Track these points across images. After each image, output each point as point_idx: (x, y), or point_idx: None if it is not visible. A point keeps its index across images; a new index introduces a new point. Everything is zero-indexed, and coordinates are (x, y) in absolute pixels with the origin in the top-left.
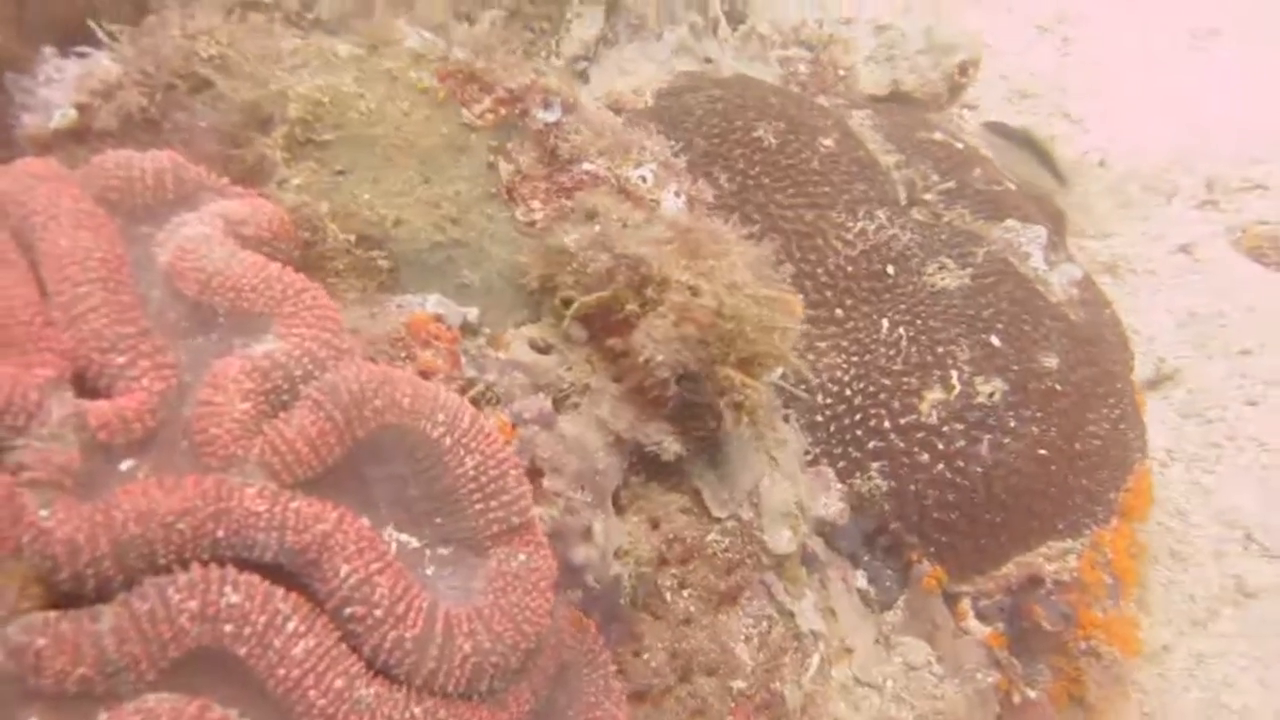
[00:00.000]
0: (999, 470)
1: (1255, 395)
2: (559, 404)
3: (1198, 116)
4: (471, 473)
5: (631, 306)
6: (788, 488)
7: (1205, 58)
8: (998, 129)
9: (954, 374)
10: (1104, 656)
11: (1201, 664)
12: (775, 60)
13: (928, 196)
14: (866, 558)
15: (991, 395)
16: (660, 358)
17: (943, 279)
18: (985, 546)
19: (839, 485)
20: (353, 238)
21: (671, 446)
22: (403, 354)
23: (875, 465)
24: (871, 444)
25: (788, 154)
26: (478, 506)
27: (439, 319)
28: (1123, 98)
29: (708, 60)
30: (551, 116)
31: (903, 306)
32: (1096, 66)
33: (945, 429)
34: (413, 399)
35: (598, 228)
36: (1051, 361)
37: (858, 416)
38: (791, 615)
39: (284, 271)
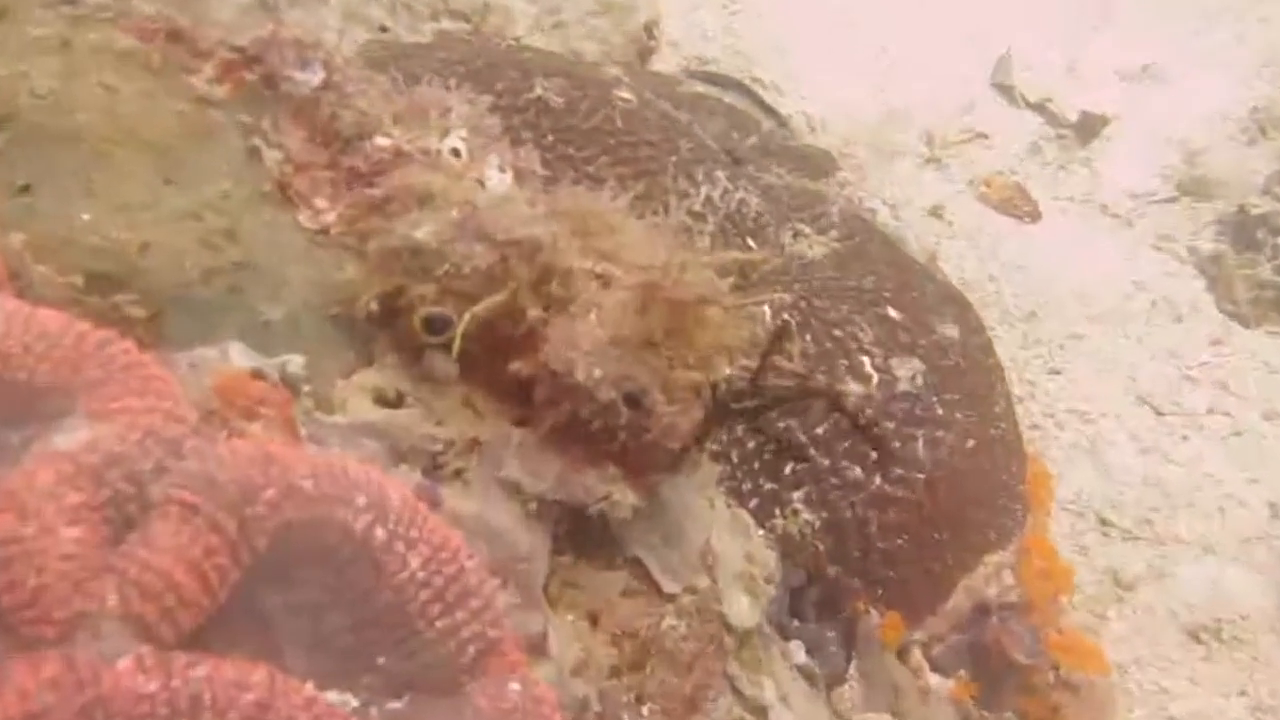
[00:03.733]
0: (940, 471)
1: (1056, 362)
2: (436, 474)
3: (891, 68)
4: (421, 575)
5: (535, 312)
6: (734, 539)
7: (885, 5)
8: (706, 76)
9: (864, 360)
10: (1080, 687)
11: (1124, 676)
12: (430, 34)
13: (741, 154)
14: (797, 623)
15: (914, 379)
16: (599, 373)
17: (808, 247)
18: (935, 574)
19: (758, 531)
20: (78, 279)
21: (626, 499)
22: (221, 432)
23: (798, 495)
24: (788, 468)
25: (583, 114)
26: (440, 624)
27: (259, 375)
28: (809, 56)
29: (383, 29)
30: (314, 78)
31: (777, 286)
32: (768, 23)
33: (874, 430)
34: (316, 480)
35: (456, 213)
36: (952, 331)
37: (764, 436)
38: (764, 712)
39: (66, 320)
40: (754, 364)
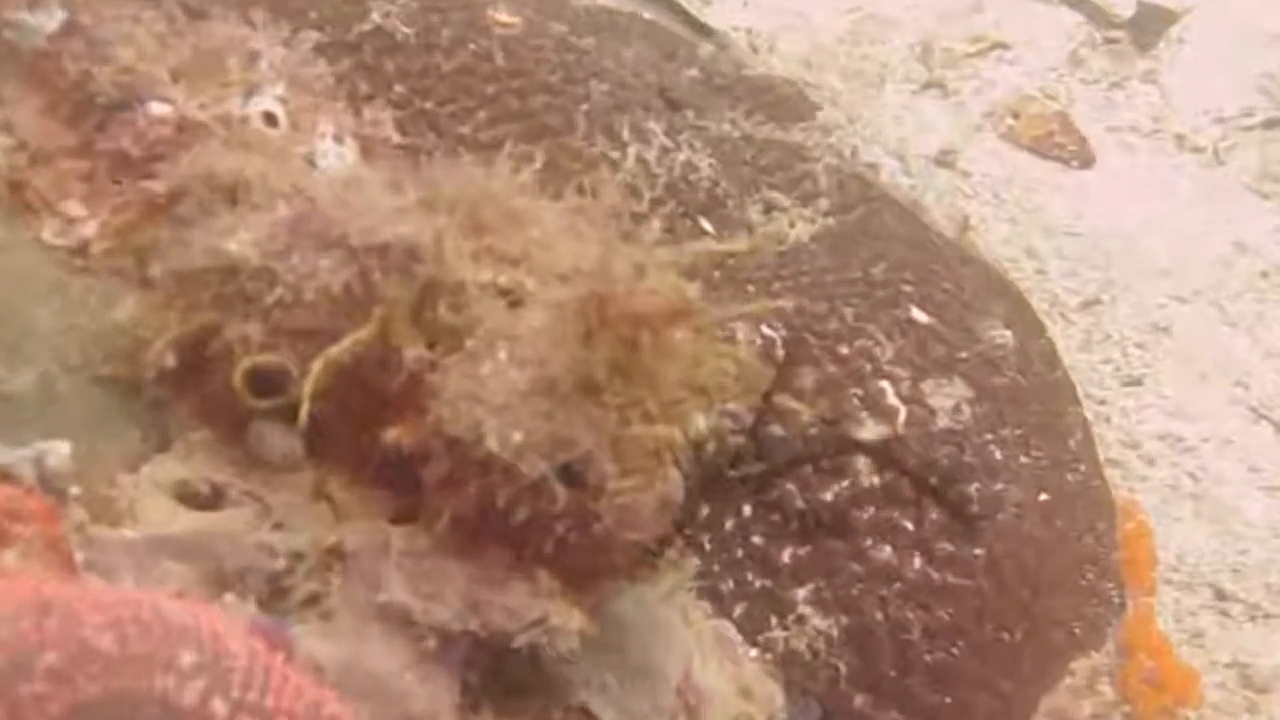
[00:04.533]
0: (1004, 543)
1: (1134, 367)
2: (281, 604)
3: None
4: None
5: (416, 352)
6: (722, 667)
7: None
8: None
9: (885, 386)
10: None
11: None
12: None
13: (678, 95)
14: None
15: (958, 410)
16: (519, 436)
17: (788, 226)
18: (1006, 694)
19: (749, 650)
20: None
21: (568, 623)
22: None
23: (803, 593)
24: (786, 553)
25: (445, 48)
26: None
27: (4, 475)
28: None
29: None
30: (50, 21)
31: (750, 289)
32: None
33: (906, 492)
34: (118, 632)
35: (283, 210)
36: (1004, 335)
37: (747, 508)
38: None
39: None
40: (749, 407)
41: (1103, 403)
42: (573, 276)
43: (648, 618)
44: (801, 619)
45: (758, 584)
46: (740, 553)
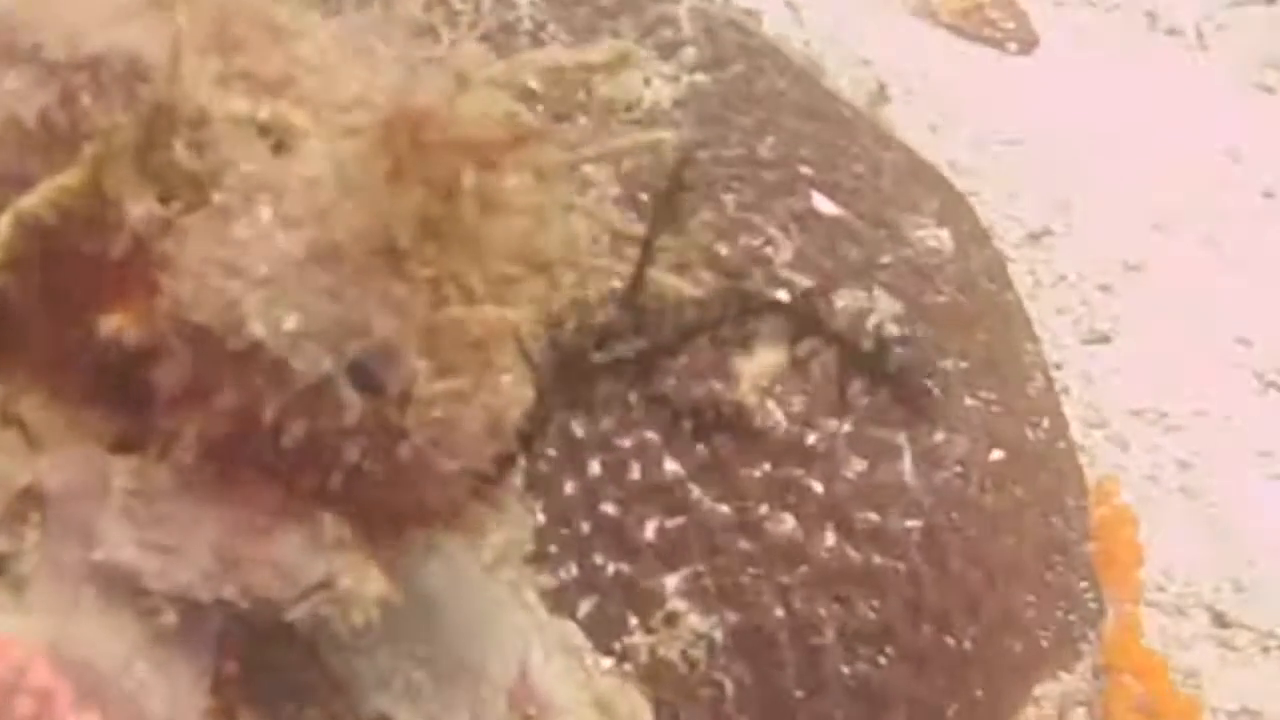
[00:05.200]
0: (946, 514)
1: (1099, 319)
2: None
3: None
4: None
5: (142, 207)
6: (571, 668)
7: None
8: None
9: (783, 297)
10: None
11: None
12: None
13: None
14: None
15: (881, 331)
16: (292, 321)
17: (644, 85)
18: None
19: (599, 660)
20: None
21: (365, 586)
22: None
23: (674, 581)
24: (652, 524)
25: None
26: None
27: None
28: None
29: None
30: None
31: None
32: None
33: (811, 439)
34: None
35: None
36: (937, 237)
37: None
38: None
39: None
40: (619, 272)
41: (1058, 367)
42: (358, 109)
43: (467, 593)
44: (673, 617)
45: (610, 568)
46: (584, 524)
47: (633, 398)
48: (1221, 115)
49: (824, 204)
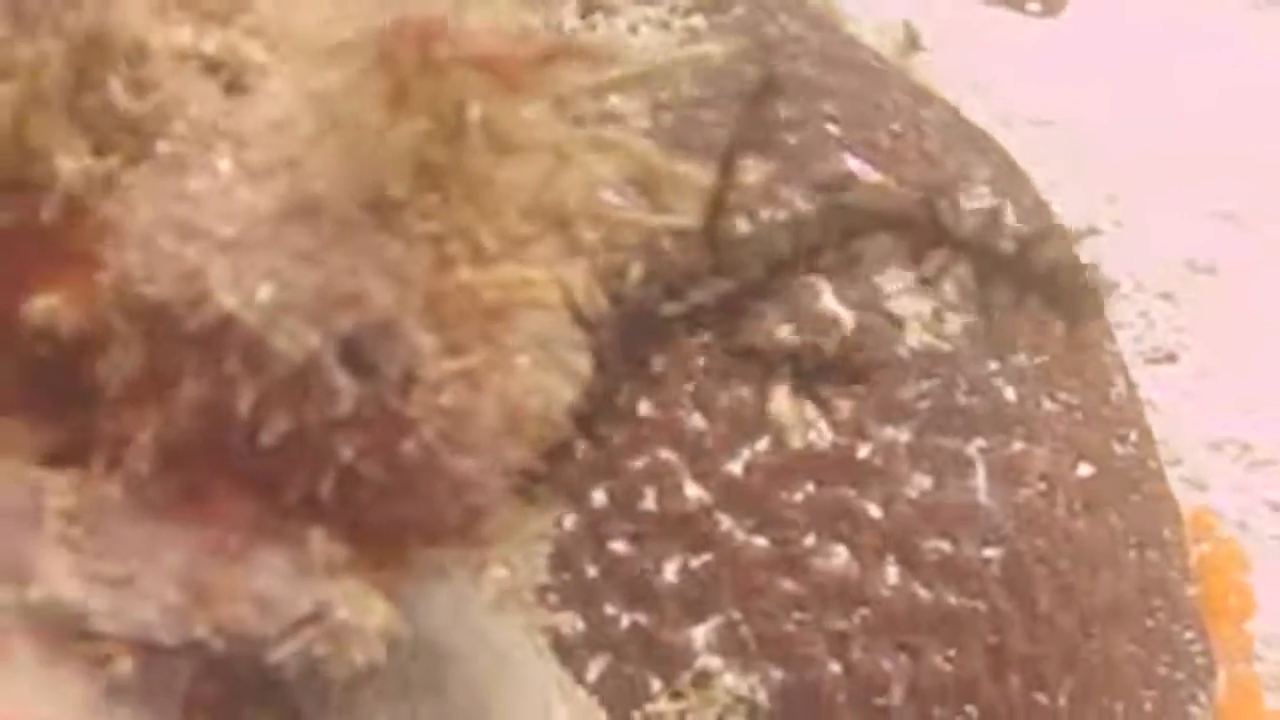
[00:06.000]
0: (1031, 537)
1: (1162, 332)
2: None
3: None
4: None
5: (76, 162)
6: None
7: None
8: None
9: (818, 283)
10: None
11: None
12: None
13: None
14: None
15: (938, 320)
16: (267, 290)
17: (629, 32)
18: None
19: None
20: None
21: (368, 620)
22: None
23: (703, 631)
24: (673, 563)
25: None
26: None
27: None
28: None
29: None
30: None
31: (628, 109)
32: None
33: (864, 451)
34: None
35: None
36: (997, 208)
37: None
38: None
39: None
40: (655, 225)
41: None
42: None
43: (479, 635)
44: (704, 677)
45: (624, 619)
46: (586, 563)
47: (715, 354)
48: None
49: (860, 168)
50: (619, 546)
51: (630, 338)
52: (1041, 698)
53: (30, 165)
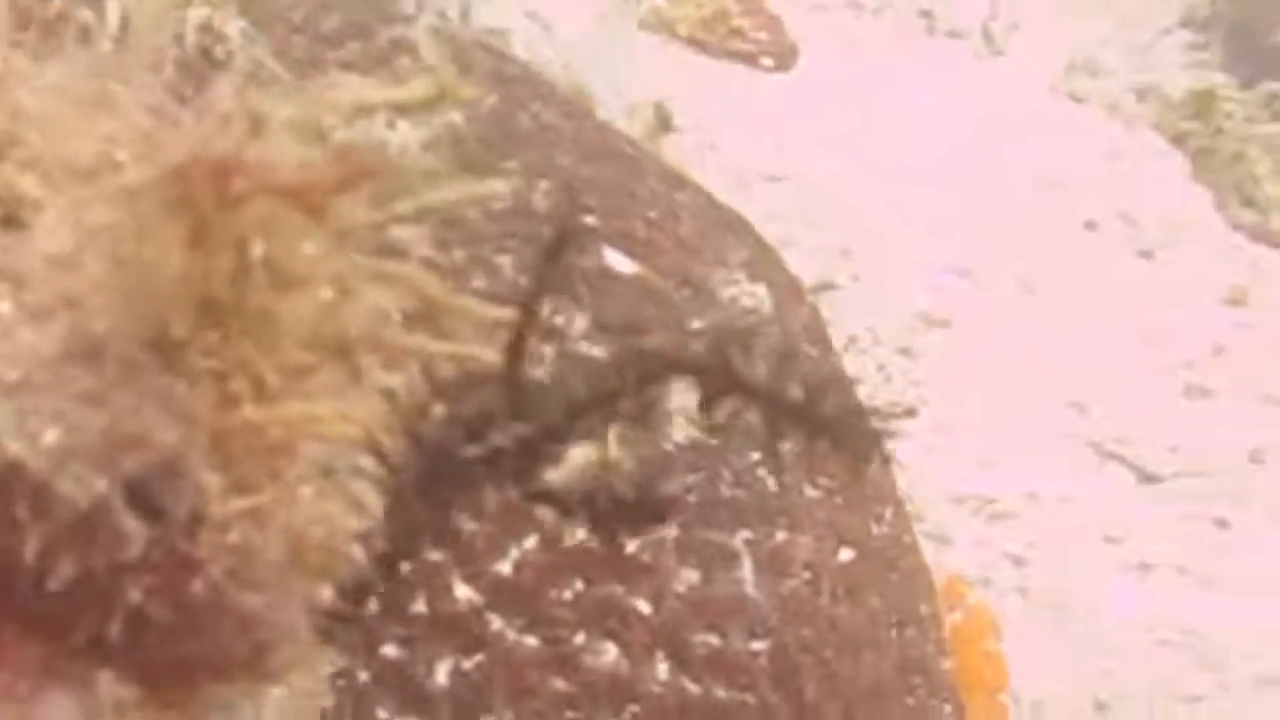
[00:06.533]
0: (797, 628)
1: (896, 369)
2: None
3: None
4: None
5: None
6: None
7: None
8: None
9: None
10: None
11: None
12: None
13: None
14: None
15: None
16: (54, 436)
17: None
18: None
19: None
20: None
21: None
22: None
23: None
24: (448, 669)
25: None
26: None
27: None
28: None
29: None
30: None
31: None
32: None
33: (632, 547)
34: None
35: None
36: (754, 294)
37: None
38: None
39: None
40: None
41: None
42: (102, 169)
43: None
44: None
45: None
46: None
47: (513, 496)
48: (1029, 133)
49: (618, 261)
50: (390, 651)
51: (430, 479)
52: None
53: None
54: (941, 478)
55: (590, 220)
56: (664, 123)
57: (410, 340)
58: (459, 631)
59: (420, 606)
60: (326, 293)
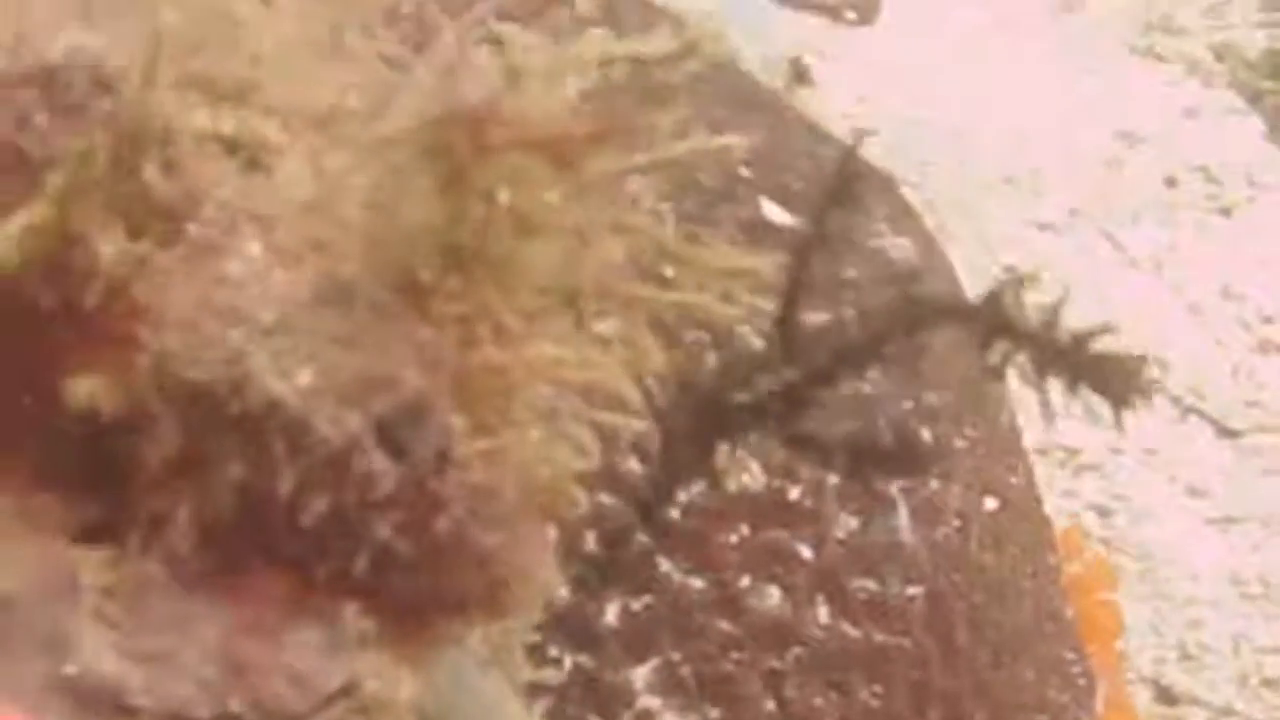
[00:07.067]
0: (948, 575)
1: None
2: None
3: None
4: None
5: (113, 244)
6: None
7: None
8: None
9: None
10: None
11: None
12: None
13: None
14: None
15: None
16: (308, 376)
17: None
18: None
19: None
20: None
21: (398, 692)
22: None
23: (643, 673)
24: (618, 610)
25: None
26: None
27: None
28: None
29: None
30: None
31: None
32: None
33: (795, 493)
34: None
35: None
36: (899, 246)
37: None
38: None
39: None
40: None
41: None
42: (337, 117)
43: (471, 693)
44: (645, 717)
45: (567, 661)
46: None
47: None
48: (1107, 91)
49: (774, 212)
50: (561, 591)
51: (697, 425)
52: None
53: (70, 250)
54: (1027, 429)
55: (745, 172)
56: (800, 76)
57: (641, 290)
58: (628, 572)
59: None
60: (567, 241)
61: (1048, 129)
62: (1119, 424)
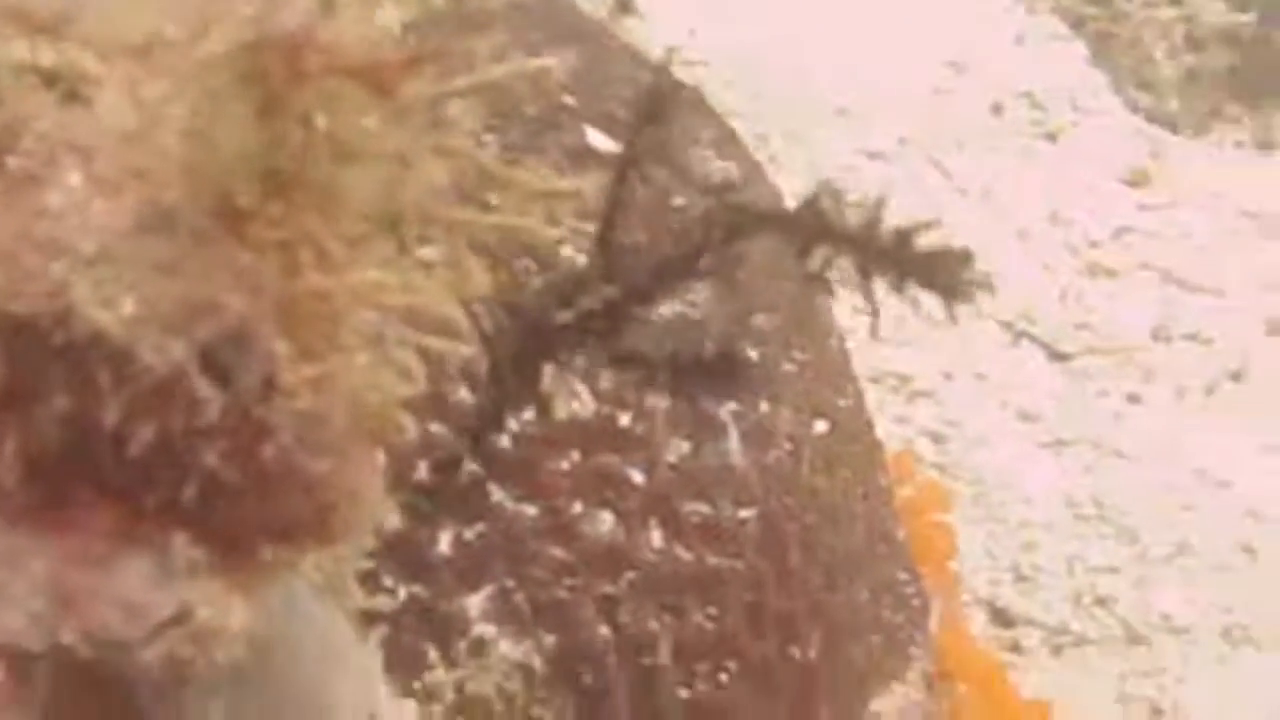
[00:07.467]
0: (780, 498)
1: None
2: None
3: None
4: None
5: None
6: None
7: None
8: None
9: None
10: None
11: None
12: None
13: None
14: None
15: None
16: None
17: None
18: None
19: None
20: None
21: (230, 620)
22: None
23: (477, 600)
24: (450, 539)
25: None
26: None
27: None
28: None
29: None
30: None
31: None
32: None
33: (625, 419)
34: None
35: None
36: (724, 169)
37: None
38: None
39: None
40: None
41: None
42: (155, 48)
43: (308, 623)
44: (480, 645)
45: (401, 591)
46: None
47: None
48: (935, 18)
49: (599, 138)
50: (393, 519)
51: (523, 348)
52: (795, 651)
53: None
54: (859, 358)
55: (568, 99)
56: (624, 6)
57: (463, 213)
58: (459, 501)
59: (420, 476)
60: (388, 167)
61: (878, 59)
62: (951, 316)
